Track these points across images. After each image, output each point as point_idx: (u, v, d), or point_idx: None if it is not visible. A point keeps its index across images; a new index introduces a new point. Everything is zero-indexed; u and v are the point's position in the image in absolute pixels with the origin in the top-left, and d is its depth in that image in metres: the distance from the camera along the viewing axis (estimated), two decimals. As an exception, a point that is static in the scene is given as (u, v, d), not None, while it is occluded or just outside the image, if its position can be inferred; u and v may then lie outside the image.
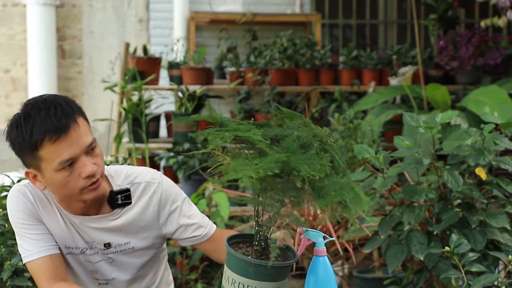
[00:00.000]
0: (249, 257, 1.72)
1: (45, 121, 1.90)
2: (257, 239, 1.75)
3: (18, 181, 2.42)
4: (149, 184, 2.13)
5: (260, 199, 1.70)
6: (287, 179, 1.66)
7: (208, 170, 1.74)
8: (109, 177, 2.12)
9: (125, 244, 2.12)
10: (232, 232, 1.97)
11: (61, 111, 1.92)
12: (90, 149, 1.97)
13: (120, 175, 2.13)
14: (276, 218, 1.73)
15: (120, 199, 2.09)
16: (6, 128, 1.96)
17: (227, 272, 1.74)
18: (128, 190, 2.10)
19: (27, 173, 2.01)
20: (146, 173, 2.15)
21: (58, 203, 2.08)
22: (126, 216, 2.11)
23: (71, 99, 2.01)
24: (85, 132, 1.97)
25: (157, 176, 2.15)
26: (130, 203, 2.10)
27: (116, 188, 2.11)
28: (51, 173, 1.95)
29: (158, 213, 2.13)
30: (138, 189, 2.12)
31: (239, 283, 1.71)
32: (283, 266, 1.73)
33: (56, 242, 2.08)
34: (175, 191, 2.16)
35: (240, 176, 1.59)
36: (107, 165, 2.16)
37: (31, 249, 2.05)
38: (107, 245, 2.11)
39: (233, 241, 1.80)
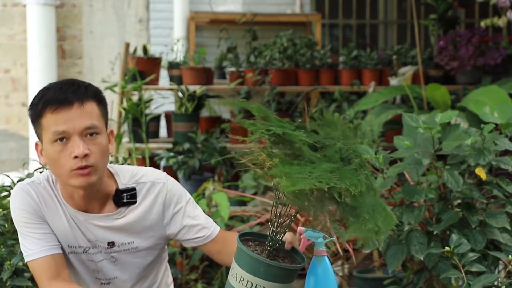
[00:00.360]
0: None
1: (55, 93, 1.97)
2: (270, 239, 1.74)
3: (18, 181, 2.42)
4: (154, 184, 2.13)
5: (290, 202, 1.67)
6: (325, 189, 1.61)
7: (242, 162, 1.71)
8: (115, 175, 2.13)
9: (128, 243, 2.12)
10: (236, 234, 1.97)
11: (74, 90, 1.99)
12: (89, 134, 1.99)
13: (126, 174, 2.14)
14: (291, 222, 1.72)
15: (125, 197, 2.10)
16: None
17: (236, 269, 1.73)
18: (134, 189, 2.11)
19: (36, 145, 2.06)
20: (152, 173, 2.16)
21: (61, 192, 2.08)
22: (130, 215, 2.11)
23: (98, 88, 2.06)
24: (89, 115, 1.99)
25: (162, 177, 2.16)
26: (135, 202, 2.11)
27: (122, 186, 2.11)
28: (47, 145, 1.99)
29: (163, 213, 2.13)
30: (143, 189, 2.13)
31: (248, 281, 1.70)
32: (293, 269, 1.73)
33: (59, 242, 2.09)
34: (179, 191, 2.17)
35: (298, 187, 1.54)
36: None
37: (33, 248, 2.05)
38: (111, 244, 2.12)
39: (242, 238, 1.79)
